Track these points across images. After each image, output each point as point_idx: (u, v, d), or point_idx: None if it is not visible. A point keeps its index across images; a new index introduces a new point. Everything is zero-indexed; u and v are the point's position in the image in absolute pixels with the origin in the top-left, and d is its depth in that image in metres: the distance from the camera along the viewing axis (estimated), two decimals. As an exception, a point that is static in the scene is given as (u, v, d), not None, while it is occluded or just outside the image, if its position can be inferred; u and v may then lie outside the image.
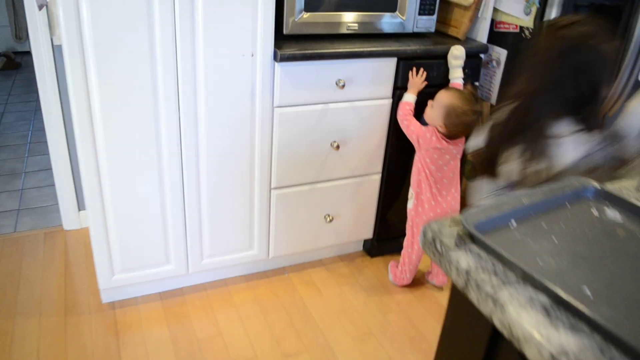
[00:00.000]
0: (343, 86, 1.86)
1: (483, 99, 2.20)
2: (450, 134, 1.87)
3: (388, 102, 2.00)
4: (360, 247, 2.41)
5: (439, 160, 1.91)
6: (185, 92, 1.68)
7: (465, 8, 2.07)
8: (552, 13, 1.87)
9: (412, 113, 1.95)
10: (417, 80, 1.95)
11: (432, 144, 1.88)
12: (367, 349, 1.90)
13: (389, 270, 2.25)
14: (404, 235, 2.35)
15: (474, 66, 2.07)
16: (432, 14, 2.01)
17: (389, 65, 1.93)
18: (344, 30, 1.90)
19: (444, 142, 1.89)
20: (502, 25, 2.03)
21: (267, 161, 1.91)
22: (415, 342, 1.94)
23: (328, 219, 2.13)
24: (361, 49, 1.83)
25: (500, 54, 2.07)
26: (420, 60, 1.95)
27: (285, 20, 1.79)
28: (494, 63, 2.11)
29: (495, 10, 2.05)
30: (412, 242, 2.08)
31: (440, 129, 1.87)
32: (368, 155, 2.08)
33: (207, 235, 1.96)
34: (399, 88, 1.98)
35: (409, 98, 1.96)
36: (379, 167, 2.14)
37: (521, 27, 1.96)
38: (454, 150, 1.93)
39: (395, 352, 1.89)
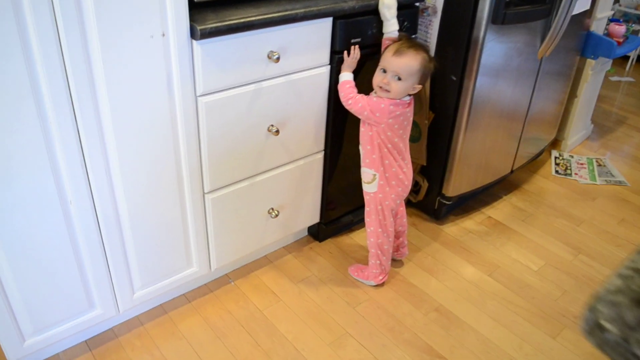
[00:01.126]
0: (278, 59, 1.53)
1: (420, 51, 1.98)
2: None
3: (326, 69, 1.71)
4: (306, 232, 2.15)
5: (399, 130, 1.69)
6: (80, 96, 1.25)
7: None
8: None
9: (355, 90, 1.69)
10: (352, 60, 1.70)
11: (393, 114, 1.64)
12: (348, 353, 1.68)
13: (356, 278, 1.97)
14: (351, 212, 2.13)
15: (410, 17, 1.83)
16: (359, -41, 1.71)
17: (324, 27, 1.63)
18: (266, -10, 1.55)
19: (402, 107, 1.66)
20: (440, -33, 1.80)
21: (196, 163, 1.55)
22: (396, 332, 1.76)
23: (273, 214, 1.84)
24: (295, 11, 1.50)
25: (436, 0, 1.85)
26: (358, 17, 1.67)
27: (196, -16, 1.40)
28: (429, 11, 1.88)
29: (424, -51, 1.81)
30: (383, 228, 1.84)
31: (412, 92, 1.66)
32: (310, 134, 1.80)
33: (135, 264, 1.58)
34: (337, 52, 1.69)
35: (347, 77, 1.70)
36: (321, 144, 1.86)
37: (462, -33, 1.74)
38: (409, 112, 1.71)
39: (378, 349, 1.70)
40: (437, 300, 1.90)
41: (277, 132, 1.66)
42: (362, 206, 2.13)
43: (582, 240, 2.25)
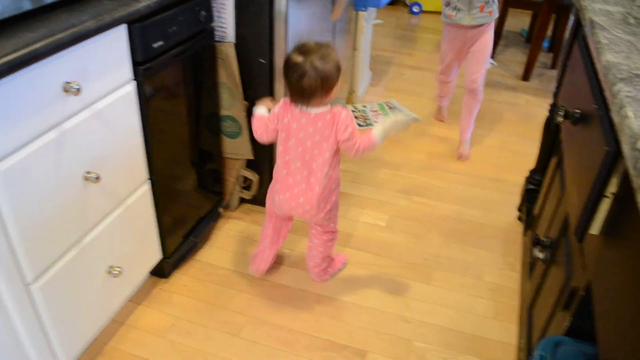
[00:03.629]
0: (78, 90, 1.18)
1: (218, 40, 1.76)
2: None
3: (132, 86, 1.40)
4: (147, 275, 1.83)
5: (298, 147, 1.55)
6: None
7: None
8: None
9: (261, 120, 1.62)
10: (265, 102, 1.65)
11: (281, 120, 1.56)
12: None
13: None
14: (191, 231, 1.88)
15: (205, 5, 1.59)
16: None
17: (119, 37, 1.30)
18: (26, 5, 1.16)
19: (300, 115, 1.52)
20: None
21: (6, 252, 1.14)
22: (292, 343, 1.63)
23: (116, 272, 1.50)
24: (86, 25, 1.16)
25: (224, -22, 1.64)
26: (156, 16, 1.38)
27: None
28: (219, -8, 1.67)
29: None
30: (265, 226, 1.81)
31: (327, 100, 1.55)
32: (131, 165, 1.48)
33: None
34: (141, 63, 1.39)
35: (258, 111, 1.64)
36: (144, 172, 1.55)
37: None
38: (313, 129, 1.52)
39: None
40: (314, 292, 1.81)
41: (98, 178, 1.32)
42: (202, 220, 1.92)
43: (408, 183, 2.38)
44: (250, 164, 2.03)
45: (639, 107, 0.78)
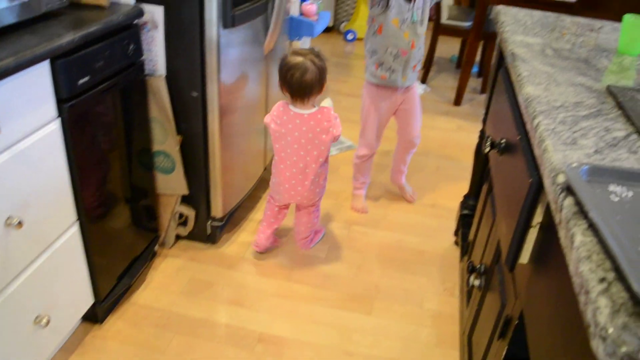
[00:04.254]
0: (-4, 132, 1.12)
1: (148, 73, 1.72)
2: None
3: (56, 124, 1.33)
4: (79, 320, 1.73)
5: (293, 144, 1.77)
6: None
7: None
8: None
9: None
10: None
11: (274, 120, 1.78)
12: None
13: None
14: (125, 272, 1.81)
15: (134, 38, 1.55)
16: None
17: (41, 74, 1.25)
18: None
19: (294, 118, 1.74)
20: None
21: None
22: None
23: (44, 322, 1.40)
24: (5, 62, 1.10)
25: (153, 12, 1.61)
26: (80, 51, 1.33)
27: None
28: (149, 26, 1.64)
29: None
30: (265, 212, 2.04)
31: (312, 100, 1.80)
32: (55, 208, 1.40)
33: None
34: (65, 100, 1.33)
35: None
36: (72, 214, 1.48)
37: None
38: (306, 128, 1.73)
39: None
40: (256, 330, 1.76)
41: (20, 224, 1.24)
42: (136, 259, 1.85)
43: (347, 212, 2.39)
44: (185, 199, 1.98)
45: (558, 140, 0.82)
